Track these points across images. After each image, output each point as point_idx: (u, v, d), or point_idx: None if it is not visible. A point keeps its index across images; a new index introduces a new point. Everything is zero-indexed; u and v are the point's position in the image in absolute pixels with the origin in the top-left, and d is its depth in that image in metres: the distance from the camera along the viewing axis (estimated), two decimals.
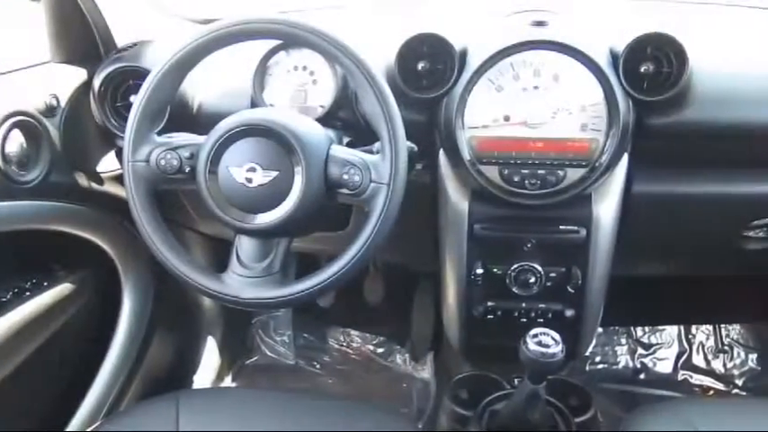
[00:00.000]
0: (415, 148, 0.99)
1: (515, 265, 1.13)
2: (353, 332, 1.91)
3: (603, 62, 1.01)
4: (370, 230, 0.89)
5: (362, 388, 1.76)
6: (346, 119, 1.12)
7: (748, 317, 1.79)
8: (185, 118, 1.11)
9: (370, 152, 0.94)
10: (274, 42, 1.10)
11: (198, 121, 1.13)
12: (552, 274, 1.13)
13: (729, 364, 1.76)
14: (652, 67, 1.03)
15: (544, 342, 0.92)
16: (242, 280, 0.93)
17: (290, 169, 0.90)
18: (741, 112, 1.06)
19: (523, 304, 1.17)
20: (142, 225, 0.94)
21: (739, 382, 1.73)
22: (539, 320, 1.17)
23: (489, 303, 1.18)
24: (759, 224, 1.18)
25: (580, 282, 1.13)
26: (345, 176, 0.90)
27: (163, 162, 0.93)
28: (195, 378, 1.68)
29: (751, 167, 1.12)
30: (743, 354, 1.77)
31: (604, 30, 1.09)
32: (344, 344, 1.90)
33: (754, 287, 1.71)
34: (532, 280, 1.13)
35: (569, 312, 1.17)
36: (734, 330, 1.81)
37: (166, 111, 0.99)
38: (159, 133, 0.96)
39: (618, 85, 1.01)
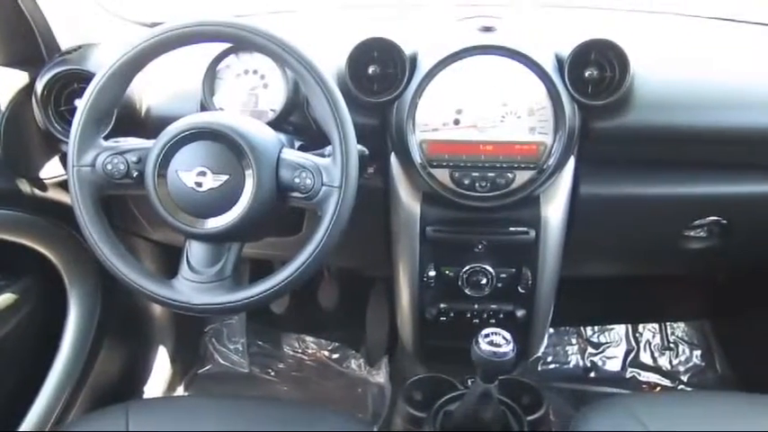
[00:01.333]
0: (366, 152, 1.00)
1: (467, 267, 1.15)
2: (308, 338, 1.89)
3: (549, 67, 1.04)
4: (322, 234, 0.89)
5: (318, 394, 1.76)
6: (297, 123, 1.12)
7: (692, 315, 1.85)
8: (133, 122, 1.09)
9: (322, 156, 0.95)
10: (224, 46, 1.09)
11: (146, 125, 1.11)
12: (503, 275, 1.15)
13: (675, 361, 1.81)
14: (596, 73, 1.06)
15: (495, 342, 0.93)
16: (193, 286, 0.92)
17: (240, 173, 0.90)
18: (680, 117, 1.10)
19: (475, 305, 1.19)
20: (88, 231, 0.92)
21: (684, 378, 1.79)
22: (491, 321, 1.19)
23: (442, 305, 1.20)
24: (699, 224, 1.22)
25: (530, 282, 1.15)
26: (297, 180, 0.90)
27: (109, 167, 0.91)
28: (146, 388, 1.64)
29: (691, 169, 1.16)
30: (687, 350, 1.83)
31: (550, 36, 1.11)
32: (299, 350, 1.88)
33: (697, 286, 1.78)
34: (484, 281, 1.15)
35: (520, 312, 1.19)
36: (679, 328, 1.87)
37: (113, 114, 0.97)
38: (106, 138, 0.94)
39: (563, 90, 1.04)
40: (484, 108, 1.06)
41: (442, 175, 1.08)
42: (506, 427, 1.06)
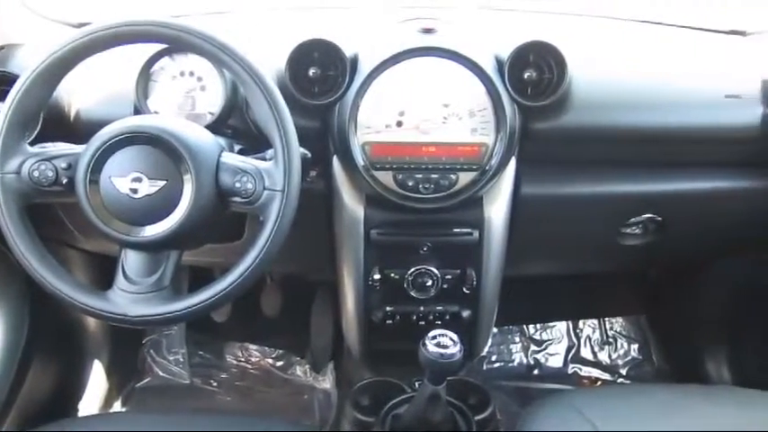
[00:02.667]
0: (309, 155, 0.98)
1: (412, 269, 1.15)
2: (251, 346, 1.86)
3: (489, 69, 1.05)
4: (265, 239, 0.87)
5: (263, 403, 1.72)
6: (237, 126, 1.09)
7: (629, 310, 1.91)
8: (61, 126, 1.04)
9: (263, 159, 0.93)
10: (158, 47, 1.05)
11: (75, 130, 1.06)
12: (448, 277, 1.15)
13: (614, 355, 1.87)
14: (535, 74, 1.08)
15: (443, 343, 0.93)
16: (129, 296, 0.89)
17: (178, 178, 0.87)
18: (616, 117, 1.13)
19: (421, 307, 1.19)
20: (14, 242, 0.87)
21: (623, 372, 1.84)
22: (436, 322, 1.19)
23: (388, 308, 1.19)
24: (635, 221, 1.26)
25: (475, 283, 1.16)
26: (238, 184, 0.88)
27: (36, 173, 0.87)
28: (81, 405, 1.57)
29: (628, 168, 1.19)
30: (625, 344, 1.88)
31: (490, 38, 1.12)
32: (242, 359, 1.84)
33: (633, 282, 1.83)
34: (429, 283, 1.15)
35: (466, 313, 1.19)
36: (617, 323, 1.92)
37: (39, 118, 0.93)
38: (32, 143, 0.90)
39: (504, 91, 1.05)
40: (426, 110, 1.06)
41: (386, 177, 1.07)
42: (455, 427, 1.06)
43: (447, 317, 1.19)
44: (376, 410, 1.13)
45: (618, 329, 1.91)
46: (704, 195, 1.22)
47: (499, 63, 1.07)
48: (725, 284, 1.57)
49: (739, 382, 1.57)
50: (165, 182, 0.86)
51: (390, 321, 1.20)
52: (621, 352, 1.87)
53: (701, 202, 1.23)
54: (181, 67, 1.08)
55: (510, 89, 1.06)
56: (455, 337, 0.94)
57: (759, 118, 1.14)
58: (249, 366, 1.83)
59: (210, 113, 1.07)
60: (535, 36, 1.07)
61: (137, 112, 1.06)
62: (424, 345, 0.93)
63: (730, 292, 1.57)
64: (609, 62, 1.19)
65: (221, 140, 0.96)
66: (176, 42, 0.89)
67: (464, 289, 1.17)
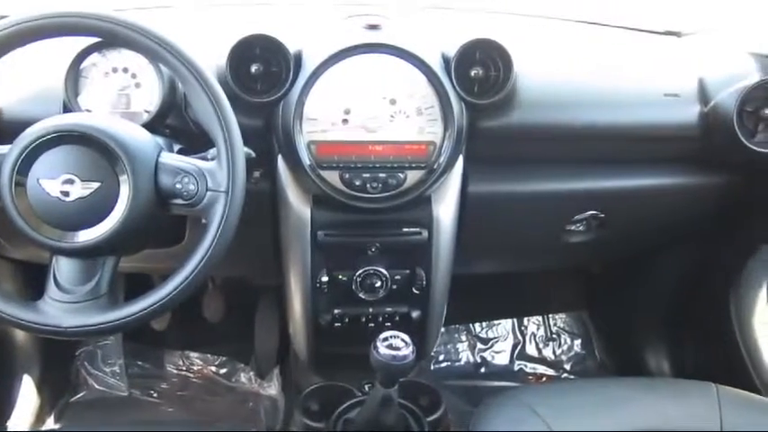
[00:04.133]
0: (253, 154, 0.95)
1: (361, 270, 1.13)
2: (193, 354, 1.79)
3: (436, 66, 1.04)
4: (209, 242, 0.83)
5: (206, 413, 1.66)
6: (175, 125, 1.05)
7: (571, 306, 1.94)
8: None
9: (205, 159, 0.89)
10: (89, 41, 0.99)
11: None
12: (397, 277, 1.14)
13: (558, 351, 1.89)
14: (481, 72, 1.08)
15: (395, 345, 0.91)
16: (62, 306, 0.84)
17: (114, 180, 0.82)
18: (561, 115, 1.14)
19: (370, 309, 1.17)
20: None
21: (567, 367, 1.87)
22: (386, 324, 1.17)
23: (336, 311, 1.17)
24: (579, 218, 1.27)
25: (424, 282, 1.14)
26: (179, 185, 0.84)
27: None
28: (10, 423, 1.48)
29: (573, 166, 1.21)
30: (569, 340, 1.91)
31: (436, 36, 1.12)
32: (184, 368, 1.78)
33: (575, 278, 1.87)
34: (378, 284, 1.13)
35: (415, 313, 1.18)
36: (560, 319, 1.95)
37: None
38: None
39: (451, 89, 1.04)
40: (372, 108, 1.04)
41: (333, 176, 1.05)
42: (408, 429, 1.05)
43: (396, 318, 1.18)
44: (326, 415, 1.11)
45: (561, 325, 1.94)
46: (645, 192, 1.25)
47: (446, 61, 1.06)
48: (663, 279, 1.62)
49: (678, 373, 1.62)
50: (99, 183, 0.82)
51: (339, 324, 1.17)
52: (565, 348, 1.90)
53: (642, 198, 1.26)
54: (113, 64, 1.03)
55: (457, 87, 1.05)
56: (407, 338, 0.93)
57: (696, 116, 1.17)
58: (191, 375, 1.77)
59: (147, 112, 1.02)
60: (481, 34, 1.06)
61: (66, 110, 1.00)
62: (376, 347, 0.91)
63: (668, 286, 1.62)
64: (553, 61, 1.20)
65: (159, 140, 0.92)
66: (110, 36, 0.84)
67: (413, 289, 1.15)
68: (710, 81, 1.19)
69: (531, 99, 1.12)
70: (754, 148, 1.14)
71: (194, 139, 1.00)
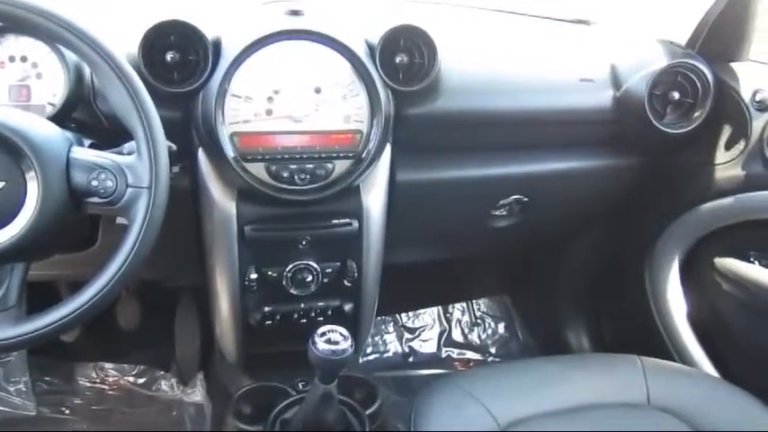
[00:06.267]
0: (174, 147, 0.89)
1: (291, 265, 1.09)
2: (107, 365, 1.68)
3: (361, 53, 1.02)
4: (131, 243, 0.78)
5: (125, 425, 1.57)
6: (83, 119, 0.98)
7: (494, 290, 1.98)
8: None
9: (121, 154, 0.82)
10: None
11: None
12: (329, 270, 1.11)
13: (483, 335, 1.93)
14: (406, 59, 1.06)
15: (333, 339, 0.90)
16: None
17: (19, 179, 0.75)
18: (484, 102, 1.15)
19: (302, 304, 1.13)
20: None
21: (493, 350, 1.90)
22: (319, 319, 1.15)
23: (266, 309, 1.13)
24: (504, 203, 1.29)
25: (356, 274, 1.12)
26: (95, 182, 0.78)
27: None
28: None
29: (497, 151, 1.23)
30: (493, 324, 1.95)
31: (359, 21, 1.09)
32: (97, 380, 1.66)
33: (496, 262, 1.90)
34: (309, 278, 1.10)
35: (348, 306, 1.16)
36: (483, 304, 1.98)
37: None
38: None
39: (377, 76, 1.02)
40: (297, 97, 1.01)
41: (258, 169, 1.01)
42: (348, 426, 1.03)
43: (329, 312, 1.15)
44: (261, 418, 1.08)
45: (485, 310, 1.97)
46: (565, 174, 1.28)
47: (370, 48, 1.05)
48: (580, 259, 1.67)
49: (599, 348, 1.68)
50: (2, 183, 0.75)
51: (270, 322, 1.13)
52: (490, 332, 1.93)
53: (563, 181, 1.30)
54: (9, 52, 0.95)
55: (382, 74, 1.04)
56: (345, 331, 0.91)
57: (610, 100, 1.22)
58: (106, 387, 1.66)
59: (51, 105, 0.95)
60: (404, 20, 1.05)
61: None
62: (314, 343, 0.89)
63: (585, 266, 1.68)
64: (474, 49, 1.21)
65: (69, 134, 0.85)
66: (9, 20, 0.76)
67: (345, 281, 1.13)
68: (622, 67, 1.24)
69: (455, 86, 1.12)
70: (664, 129, 1.20)
71: (106, 134, 0.94)
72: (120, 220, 0.83)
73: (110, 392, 1.65)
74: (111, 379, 1.66)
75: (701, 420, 0.96)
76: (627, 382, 1.05)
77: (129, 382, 1.66)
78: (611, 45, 1.30)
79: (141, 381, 1.66)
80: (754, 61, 1.25)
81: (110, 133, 0.91)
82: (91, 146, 0.90)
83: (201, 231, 1.11)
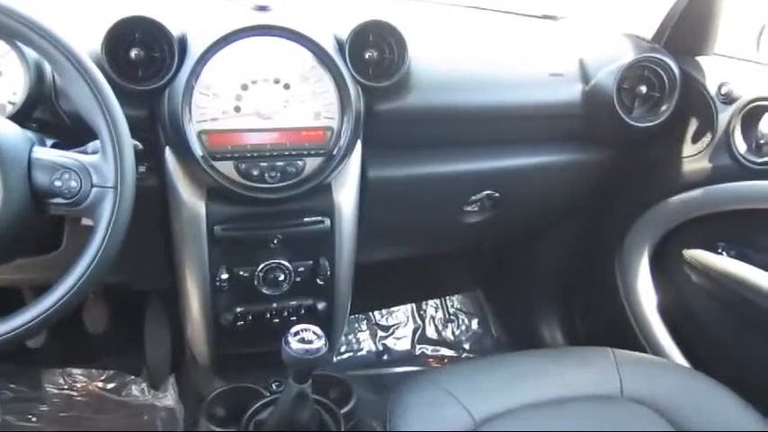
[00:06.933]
0: (140, 146, 0.87)
1: (262, 265, 1.08)
2: (75, 371, 1.64)
3: (330, 48, 1.01)
4: (97, 244, 0.76)
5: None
6: (44, 118, 0.95)
7: (467, 286, 1.99)
8: None
9: (85, 153, 0.80)
10: None
11: None
12: (301, 269, 1.10)
13: (457, 332, 1.93)
14: (375, 54, 1.06)
15: (307, 338, 0.89)
16: None
17: None
18: (455, 97, 1.15)
19: (274, 304, 1.12)
20: None
21: (467, 346, 1.90)
22: (291, 318, 1.13)
23: (238, 309, 1.11)
24: (476, 199, 1.29)
25: (329, 272, 1.11)
26: (58, 183, 0.76)
27: None
28: None
29: (469, 147, 1.23)
30: (466, 320, 1.95)
31: (327, 17, 1.08)
32: (65, 386, 1.62)
33: (469, 258, 1.91)
34: (282, 277, 1.09)
35: (321, 305, 1.15)
36: (457, 300, 1.99)
37: None
38: None
39: (346, 72, 1.01)
40: (265, 93, 1.00)
41: (227, 167, 0.99)
42: (323, 425, 1.02)
43: (302, 311, 1.14)
44: (234, 420, 1.06)
45: (458, 306, 1.97)
46: (535, 169, 1.29)
47: (339, 43, 1.04)
48: (551, 253, 1.69)
49: (572, 341, 1.70)
50: None
51: (242, 323, 1.12)
52: (463, 328, 1.93)
53: (534, 175, 1.30)
54: None
55: (352, 70, 1.03)
56: (318, 330, 0.91)
57: (579, 94, 1.23)
58: (74, 393, 1.62)
59: (11, 103, 0.92)
60: (374, 15, 1.04)
61: None
62: (287, 342, 0.88)
63: (557, 260, 1.69)
64: (444, 44, 1.21)
65: (30, 134, 0.82)
66: None
67: (318, 280, 1.12)
68: (590, 61, 1.25)
69: (426, 82, 1.12)
70: (632, 122, 1.22)
71: (68, 133, 0.91)
72: (85, 221, 0.81)
73: (78, 399, 1.61)
74: (79, 385, 1.62)
75: (673, 411, 0.98)
76: (600, 374, 1.06)
77: (98, 387, 1.62)
78: (579, 40, 1.31)
79: (111, 386, 1.63)
80: (719, 55, 1.27)
81: (73, 132, 0.89)
82: (53, 146, 0.88)
83: (170, 232, 1.09)
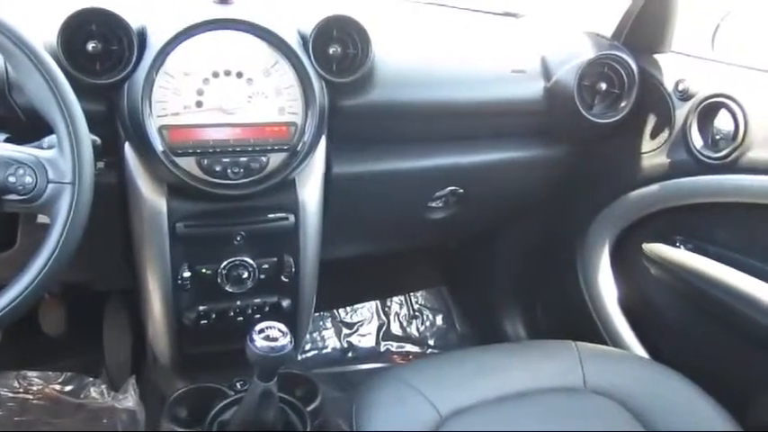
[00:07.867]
0: (98, 141, 0.85)
1: (226, 262, 1.06)
2: (31, 373, 1.59)
3: (294, 43, 1.00)
4: (54, 242, 0.74)
5: None
6: None
7: (431, 282, 1.99)
8: None
9: (40, 148, 0.78)
10: None
11: None
12: (265, 266, 1.09)
13: (422, 328, 1.94)
14: (339, 50, 1.05)
15: (272, 336, 0.87)
16: None
17: None
18: (419, 93, 1.16)
19: (238, 302, 1.11)
20: None
21: (431, 342, 1.91)
22: (256, 316, 1.12)
23: (201, 308, 1.09)
24: (440, 195, 1.30)
25: (293, 269, 1.10)
26: (12, 178, 0.73)
27: None
28: None
29: (433, 143, 1.23)
30: (431, 316, 1.96)
31: (290, 12, 1.07)
32: (21, 389, 1.57)
33: (433, 255, 1.92)
34: (245, 275, 1.08)
35: (286, 302, 1.14)
36: (421, 296, 2.00)
37: None
38: None
39: (310, 67, 1.01)
40: (228, 88, 0.98)
41: (189, 163, 0.97)
42: (289, 424, 1.01)
43: (266, 309, 1.12)
44: (198, 420, 1.04)
45: (423, 302, 1.98)
46: (499, 165, 1.30)
47: (303, 38, 1.03)
48: (514, 249, 1.71)
49: (535, 336, 1.72)
50: None
51: (205, 322, 1.10)
52: (428, 324, 1.94)
53: (497, 172, 1.32)
54: None
55: (316, 65, 1.02)
56: (283, 327, 0.90)
57: (541, 90, 1.24)
58: (30, 397, 1.57)
59: None
60: (337, 10, 1.04)
61: None
62: (252, 340, 0.87)
63: (520, 256, 1.71)
64: (407, 40, 1.21)
65: None
66: None
67: (282, 277, 1.11)
68: (551, 58, 1.26)
69: (389, 78, 1.12)
70: (592, 119, 1.24)
71: (23, 127, 0.89)
72: (41, 218, 0.79)
73: (34, 402, 1.56)
74: (35, 388, 1.57)
75: (635, 401, 0.99)
76: (563, 367, 1.07)
77: (55, 390, 1.58)
78: (540, 37, 1.33)
79: (68, 388, 1.58)
80: (676, 52, 1.30)
81: (27, 127, 0.86)
82: (7, 140, 0.85)
83: (130, 229, 1.06)
